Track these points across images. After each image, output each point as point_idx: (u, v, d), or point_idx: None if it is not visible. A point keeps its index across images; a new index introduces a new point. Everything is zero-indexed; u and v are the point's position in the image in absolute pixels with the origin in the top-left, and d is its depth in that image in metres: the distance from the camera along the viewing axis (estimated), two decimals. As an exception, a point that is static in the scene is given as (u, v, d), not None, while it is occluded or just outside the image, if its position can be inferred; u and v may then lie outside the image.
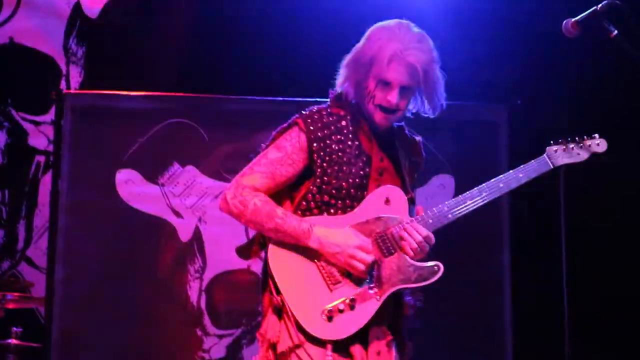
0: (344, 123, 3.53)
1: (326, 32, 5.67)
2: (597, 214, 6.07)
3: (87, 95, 5.87)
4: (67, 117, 5.62)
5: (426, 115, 3.60)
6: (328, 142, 3.48)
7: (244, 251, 3.61)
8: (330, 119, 3.52)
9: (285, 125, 3.55)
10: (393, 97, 3.44)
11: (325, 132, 3.49)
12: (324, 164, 3.46)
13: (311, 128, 3.48)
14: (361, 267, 3.37)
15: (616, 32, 3.27)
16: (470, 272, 5.74)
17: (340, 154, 3.48)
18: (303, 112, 3.55)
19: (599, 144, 3.62)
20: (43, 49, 6.26)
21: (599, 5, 3.29)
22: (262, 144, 3.60)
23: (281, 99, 5.58)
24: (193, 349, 5.72)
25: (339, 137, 3.50)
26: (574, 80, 5.98)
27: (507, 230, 5.89)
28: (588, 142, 3.62)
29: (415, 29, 3.50)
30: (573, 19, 3.39)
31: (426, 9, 5.97)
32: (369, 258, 3.38)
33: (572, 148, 3.60)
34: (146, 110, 5.74)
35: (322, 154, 3.46)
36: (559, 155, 3.59)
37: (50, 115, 6.08)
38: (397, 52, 3.40)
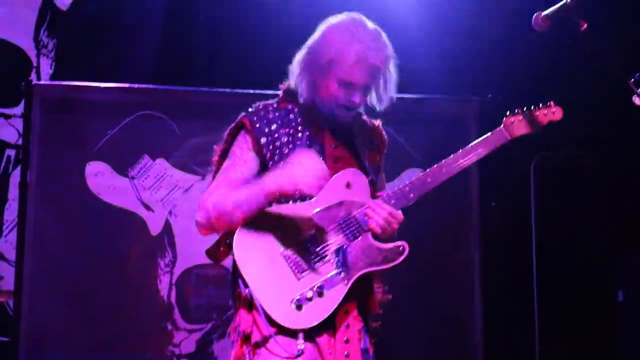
0: (291, 116, 3.54)
1: (297, 25, 5.64)
2: (568, 210, 6.11)
3: (56, 87, 5.83)
4: (37, 109, 5.59)
5: (372, 107, 3.58)
6: (276, 135, 3.49)
7: (212, 253, 3.60)
8: (277, 113, 3.54)
9: (233, 125, 3.58)
10: (357, 98, 3.46)
11: (273, 126, 3.50)
12: (275, 157, 3.47)
13: (257, 125, 3.50)
14: (314, 184, 3.32)
15: (586, 25, 3.28)
16: (441, 268, 5.77)
17: (290, 146, 3.49)
18: (248, 110, 3.57)
19: (554, 112, 3.62)
20: (14, 40, 6.21)
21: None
22: (214, 146, 3.63)
23: (252, 91, 5.57)
24: (163, 343, 5.70)
25: (287, 130, 3.51)
26: (545, 75, 6.01)
27: (477, 226, 5.91)
28: (544, 111, 3.62)
29: (370, 25, 3.50)
30: (543, 13, 3.40)
31: (398, 3, 5.99)
32: (320, 169, 3.34)
33: (528, 118, 3.61)
34: (116, 103, 5.71)
35: (271, 147, 3.48)
36: (516, 125, 3.60)
37: (20, 108, 6.02)
38: (360, 54, 3.40)
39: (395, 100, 3.58)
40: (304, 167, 3.34)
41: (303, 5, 5.91)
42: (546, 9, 3.40)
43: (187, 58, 6.18)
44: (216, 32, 6.17)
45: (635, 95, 3.20)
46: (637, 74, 3.20)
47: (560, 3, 3.33)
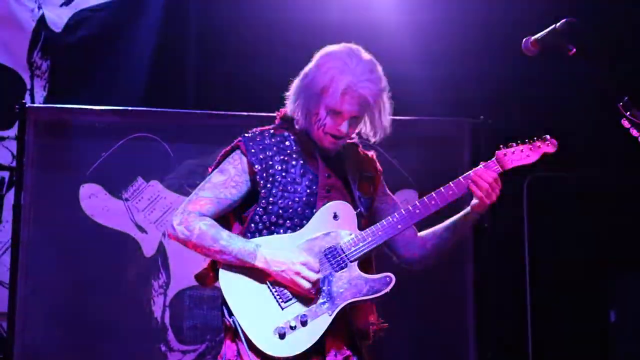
0: (287, 143, 3.57)
1: (290, 49, 5.69)
2: (560, 230, 6.12)
3: (50, 109, 5.85)
4: (30, 131, 5.60)
5: (367, 138, 3.61)
6: (270, 162, 3.51)
7: (201, 278, 3.61)
8: (273, 140, 3.57)
9: (228, 148, 3.60)
10: (344, 127, 3.48)
11: (268, 153, 3.53)
12: (268, 185, 3.49)
13: (252, 150, 3.52)
14: (306, 285, 3.38)
15: (574, 49, 3.31)
16: (434, 288, 5.77)
17: (284, 174, 3.51)
18: (245, 135, 3.60)
19: (548, 144, 3.61)
20: (7, 62, 6.21)
21: (558, 24, 3.34)
22: (209, 167, 3.63)
23: (245, 114, 5.60)
24: (157, 364, 5.70)
25: (282, 157, 3.53)
26: (537, 97, 6.04)
27: (471, 247, 5.92)
28: (538, 143, 3.61)
29: (365, 56, 3.52)
30: (533, 38, 3.44)
31: (392, 28, 6.03)
32: (314, 276, 3.39)
33: (522, 150, 3.60)
34: (110, 125, 5.72)
35: (264, 175, 3.50)
36: (508, 158, 3.59)
37: (14, 130, 6.02)
38: (350, 84, 3.42)
39: (389, 128, 3.60)
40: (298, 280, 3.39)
41: (297, 29, 5.95)
42: (536, 33, 3.43)
43: (181, 80, 6.19)
44: (209, 54, 6.19)
45: (624, 118, 3.23)
46: (626, 97, 3.23)
47: (550, 27, 3.36)
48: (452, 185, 3.57)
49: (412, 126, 5.81)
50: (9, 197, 6.02)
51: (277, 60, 5.77)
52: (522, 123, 5.77)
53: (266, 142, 3.56)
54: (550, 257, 6.06)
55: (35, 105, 6.00)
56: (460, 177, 3.59)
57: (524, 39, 3.45)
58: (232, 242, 3.42)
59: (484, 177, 3.53)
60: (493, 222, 5.83)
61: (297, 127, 3.56)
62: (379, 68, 3.52)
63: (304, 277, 3.38)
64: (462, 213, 3.67)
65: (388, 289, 3.44)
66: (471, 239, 5.92)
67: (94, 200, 5.69)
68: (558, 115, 5.89)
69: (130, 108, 5.82)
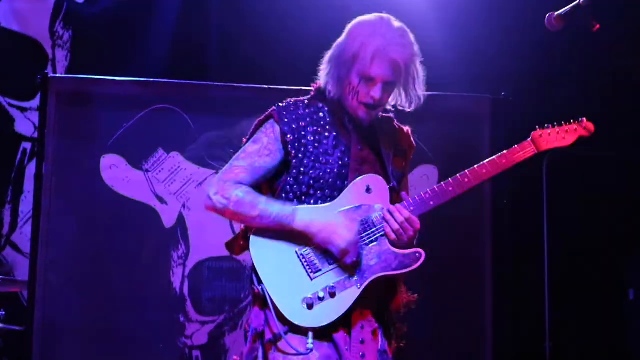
0: (321, 115, 3.56)
1: (313, 22, 5.69)
2: (579, 208, 6.11)
3: (72, 80, 5.86)
4: (52, 102, 5.61)
5: (402, 109, 3.59)
6: (303, 133, 3.51)
7: (231, 246, 3.63)
8: (307, 110, 3.56)
9: (262, 117, 3.59)
10: (377, 93, 3.46)
11: (301, 123, 3.52)
12: (299, 155, 3.49)
13: (285, 120, 3.52)
14: (342, 244, 3.38)
15: (598, 25, 3.30)
16: (452, 266, 5.78)
17: (316, 144, 3.51)
18: (279, 104, 3.59)
19: (585, 127, 3.59)
20: (30, 33, 6.24)
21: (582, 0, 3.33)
22: (243, 138, 3.63)
23: (267, 86, 5.60)
24: (175, 334, 5.73)
25: (315, 128, 3.53)
26: (558, 73, 6.02)
27: (489, 224, 5.92)
28: (574, 126, 3.59)
29: (396, 23, 3.50)
30: (556, 13, 3.42)
31: (414, 2, 6.01)
32: (352, 235, 3.39)
33: (558, 132, 3.58)
34: (132, 96, 5.74)
35: (296, 144, 3.50)
36: (544, 139, 3.57)
37: (36, 102, 6.05)
38: (381, 48, 3.41)
39: (423, 99, 3.58)
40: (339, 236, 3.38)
41: (320, 2, 5.94)
42: (560, 9, 3.42)
43: (202, 52, 6.21)
44: (231, 26, 6.20)
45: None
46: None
47: (573, 3, 3.34)
48: (486, 164, 3.54)
49: (433, 101, 5.70)
50: (31, 168, 6.08)
51: (302, 34, 5.77)
52: (545, 100, 5.76)
53: (300, 112, 3.55)
54: (569, 235, 6.05)
55: (57, 75, 6.03)
56: (495, 157, 3.55)
57: (547, 15, 3.44)
58: (270, 205, 3.42)
59: (395, 216, 3.47)
60: (511, 200, 5.83)
61: (329, 97, 3.55)
62: (411, 35, 3.50)
63: (340, 236, 3.38)
64: None
65: (417, 265, 3.44)
66: (489, 217, 5.91)
67: (115, 171, 5.71)
68: (579, 93, 5.87)
69: (151, 79, 5.84)
